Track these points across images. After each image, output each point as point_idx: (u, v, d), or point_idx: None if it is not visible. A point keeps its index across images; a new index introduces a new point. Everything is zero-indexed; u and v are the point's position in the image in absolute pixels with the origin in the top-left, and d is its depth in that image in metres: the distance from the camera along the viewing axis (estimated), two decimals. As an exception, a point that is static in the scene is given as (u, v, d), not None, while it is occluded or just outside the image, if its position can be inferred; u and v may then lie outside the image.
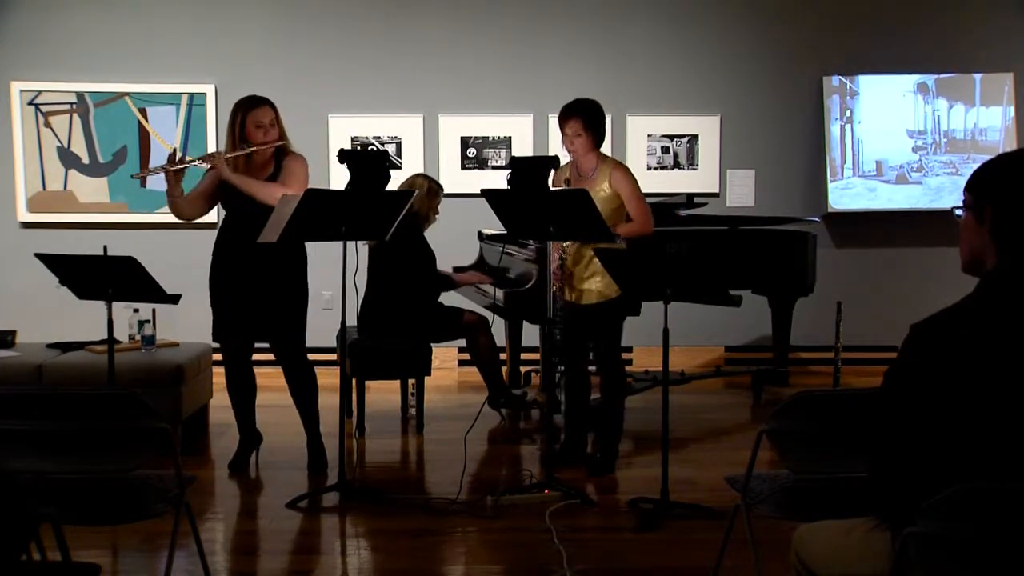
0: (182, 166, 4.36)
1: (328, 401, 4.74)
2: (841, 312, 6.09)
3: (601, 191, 4.39)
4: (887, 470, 1.93)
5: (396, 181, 6.22)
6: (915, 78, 7.17)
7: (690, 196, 5.87)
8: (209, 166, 4.45)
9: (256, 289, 4.40)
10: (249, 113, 4.36)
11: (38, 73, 6.94)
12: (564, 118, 4.42)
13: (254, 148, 4.35)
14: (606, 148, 6.82)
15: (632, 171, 4.54)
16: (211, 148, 6.91)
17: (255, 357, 4.66)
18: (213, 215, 6.91)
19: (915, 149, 7.16)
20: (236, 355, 4.56)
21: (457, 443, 4.70)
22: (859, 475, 2.48)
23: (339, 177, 6.24)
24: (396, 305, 5.33)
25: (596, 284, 4.43)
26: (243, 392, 4.63)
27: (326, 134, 7.01)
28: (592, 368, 4.70)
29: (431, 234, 5.52)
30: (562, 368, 4.87)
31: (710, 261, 4.91)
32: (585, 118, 4.38)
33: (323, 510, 4.11)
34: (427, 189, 5.41)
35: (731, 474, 2.99)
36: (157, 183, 6.93)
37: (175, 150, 4.60)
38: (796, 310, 6.12)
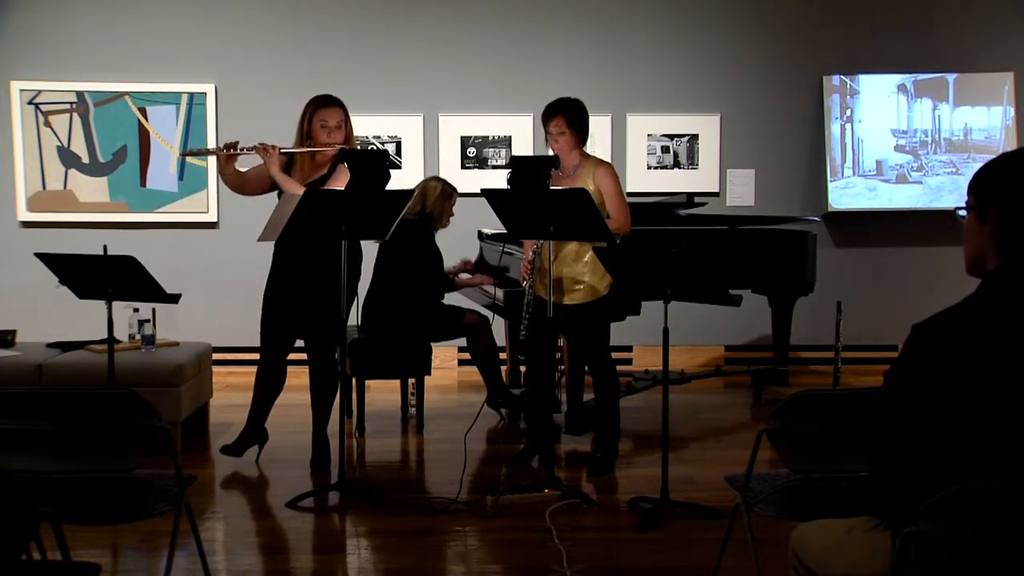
0: (235, 153, 4.41)
1: (328, 401, 4.74)
2: (841, 312, 6.09)
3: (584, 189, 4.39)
4: (887, 470, 1.93)
5: (404, 182, 6.25)
6: (915, 77, 7.17)
7: (690, 195, 5.87)
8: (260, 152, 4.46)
9: (311, 288, 4.45)
10: (317, 112, 4.43)
11: (38, 73, 6.93)
12: (548, 116, 4.46)
13: (311, 150, 4.43)
14: (605, 147, 6.90)
15: (616, 170, 4.55)
16: (211, 147, 6.92)
17: None
18: (213, 215, 7.01)
19: (897, 148, 7.16)
20: (276, 348, 4.61)
21: (457, 443, 4.70)
22: (859, 475, 2.48)
23: (339, 177, 6.23)
24: (398, 304, 5.33)
25: (582, 284, 4.43)
26: (271, 386, 4.67)
27: (326, 134, 7.00)
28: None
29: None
30: (527, 365, 4.89)
31: (710, 261, 4.90)
32: (568, 115, 4.41)
33: (323, 509, 4.11)
34: (440, 191, 5.41)
35: (731, 474, 2.99)
36: (157, 183, 6.99)
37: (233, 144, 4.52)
38: (796, 310, 6.11)
